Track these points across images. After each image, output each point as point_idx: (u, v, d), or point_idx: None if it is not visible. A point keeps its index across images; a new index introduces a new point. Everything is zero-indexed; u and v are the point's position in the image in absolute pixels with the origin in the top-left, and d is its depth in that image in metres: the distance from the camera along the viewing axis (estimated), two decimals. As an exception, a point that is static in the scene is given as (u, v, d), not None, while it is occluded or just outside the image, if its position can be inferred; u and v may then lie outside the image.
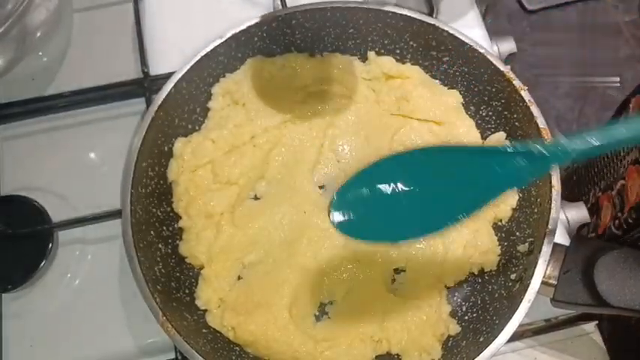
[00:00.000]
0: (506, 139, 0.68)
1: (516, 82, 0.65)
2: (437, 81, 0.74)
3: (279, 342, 0.59)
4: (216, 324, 0.61)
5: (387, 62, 0.74)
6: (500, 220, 0.67)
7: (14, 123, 0.78)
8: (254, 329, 0.60)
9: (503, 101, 0.68)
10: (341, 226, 0.47)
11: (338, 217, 0.47)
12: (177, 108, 0.69)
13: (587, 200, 1.06)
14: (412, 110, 0.71)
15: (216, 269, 0.63)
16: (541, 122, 0.63)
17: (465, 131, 0.70)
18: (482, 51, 0.68)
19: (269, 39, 0.73)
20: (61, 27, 0.84)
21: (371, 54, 0.75)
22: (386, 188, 0.47)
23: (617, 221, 0.92)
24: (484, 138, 0.71)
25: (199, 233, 0.65)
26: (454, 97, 0.72)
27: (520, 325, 0.55)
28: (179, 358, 0.63)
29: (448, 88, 0.73)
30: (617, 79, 1.95)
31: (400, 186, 0.47)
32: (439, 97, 0.72)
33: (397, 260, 0.65)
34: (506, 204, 0.66)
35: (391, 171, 0.48)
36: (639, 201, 0.84)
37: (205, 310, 0.62)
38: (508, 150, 0.47)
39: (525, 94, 0.64)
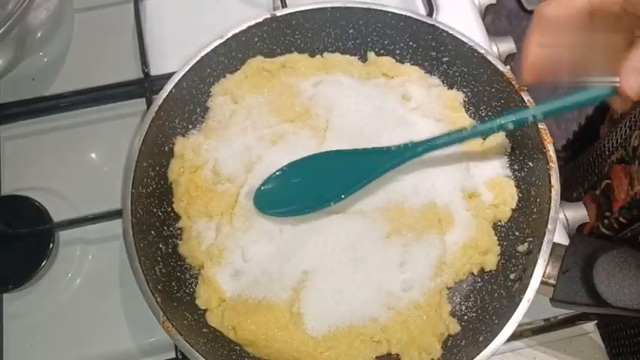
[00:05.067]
0: (505, 138, 0.69)
1: (516, 83, 0.65)
2: (437, 81, 0.74)
3: (279, 342, 0.59)
4: (217, 323, 0.61)
5: (387, 62, 0.74)
6: (500, 221, 0.67)
7: (15, 123, 0.79)
8: (254, 329, 0.59)
9: (502, 101, 0.68)
10: (262, 208, 0.64)
11: (260, 202, 0.65)
12: (178, 108, 0.69)
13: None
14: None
15: (216, 269, 0.63)
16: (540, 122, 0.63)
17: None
18: (481, 51, 0.68)
19: (269, 39, 0.73)
20: (62, 27, 0.84)
21: (371, 54, 0.75)
22: (294, 179, 0.66)
23: (606, 221, 0.90)
24: (484, 138, 0.71)
25: (199, 233, 0.65)
26: (454, 97, 0.72)
27: (519, 325, 0.55)
28: (179, 357, 0.63)
29: (448, 89, 0.73)
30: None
31: (305, 176, 0.66)
32: (439, 97, 0.72)
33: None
34: (505, 204, 0.66)
35: (298, 168, 0.66)
36: (630, 200, 0.83)
37: (205, 310, 0.62)
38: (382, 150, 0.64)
39: (525, 95, 0.65)
